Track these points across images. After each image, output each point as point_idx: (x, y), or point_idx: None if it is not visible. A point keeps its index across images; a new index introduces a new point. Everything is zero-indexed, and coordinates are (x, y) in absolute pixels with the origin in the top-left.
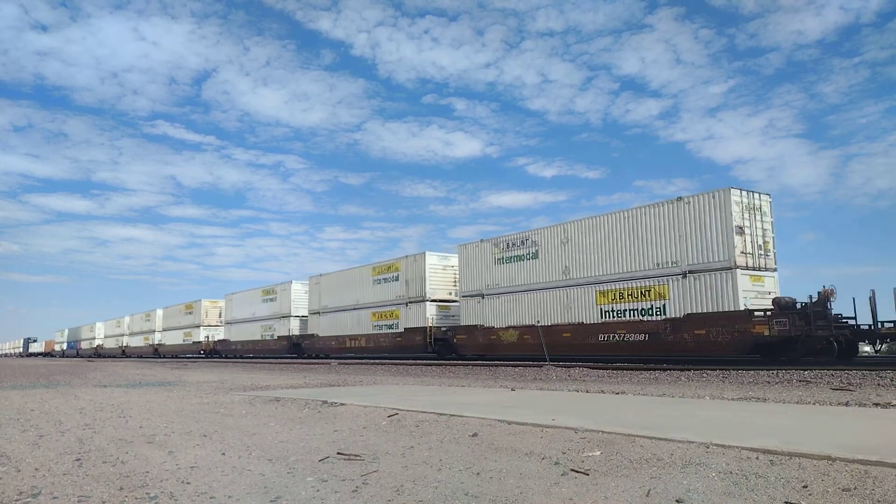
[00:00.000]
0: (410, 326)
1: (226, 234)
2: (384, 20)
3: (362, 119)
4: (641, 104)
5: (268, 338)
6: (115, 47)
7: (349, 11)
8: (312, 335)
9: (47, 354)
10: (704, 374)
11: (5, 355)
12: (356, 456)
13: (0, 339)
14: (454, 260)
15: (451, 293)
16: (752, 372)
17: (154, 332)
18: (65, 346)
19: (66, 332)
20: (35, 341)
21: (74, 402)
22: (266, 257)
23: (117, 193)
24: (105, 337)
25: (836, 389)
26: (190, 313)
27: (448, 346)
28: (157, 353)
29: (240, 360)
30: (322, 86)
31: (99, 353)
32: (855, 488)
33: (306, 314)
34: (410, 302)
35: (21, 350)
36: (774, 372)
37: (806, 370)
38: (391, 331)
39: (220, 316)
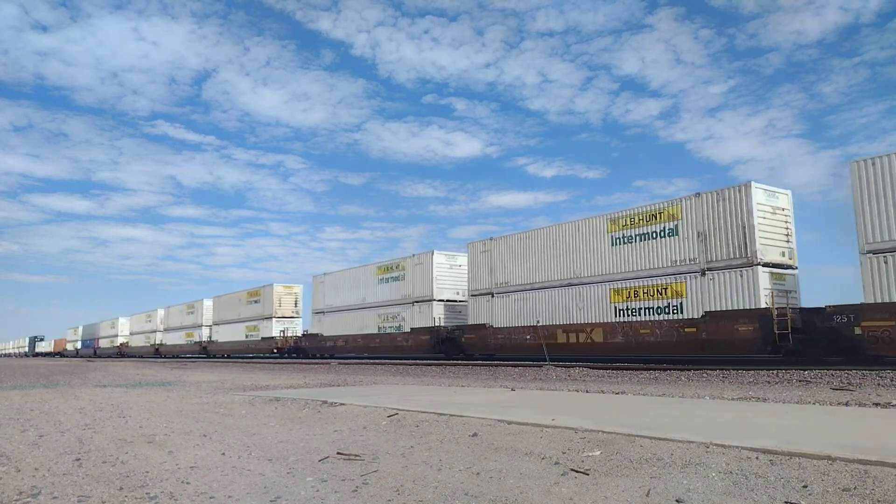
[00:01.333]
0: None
1: (226, 234)
2: (384, 20)
3: (362, 119)
4: (641, 104)
5: (392, 330)
6: (116, 47)
7: (349, 11)
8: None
9: (58, 354)
10: (704, 374)
11: (8, 355)
12: (356, 456)
13: (2, 339)
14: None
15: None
16: (752, 372)
17: (200, 326)
18: (79, 345)
19: (81, 329)
20: (42, 340)
21: (74, 402)
22: (266, 257)
23: (117, 193)
24: (131, 334)
25: (836, 389)
26: (256, 301)
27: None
28: (205, 351)
29: (299, 361)
30: (322, 86)
31: (123, 353)
32: (855, 488)
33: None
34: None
35: (27, 350)
36: (774, 372)
37: (806, 370)
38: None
39: (296, 304)
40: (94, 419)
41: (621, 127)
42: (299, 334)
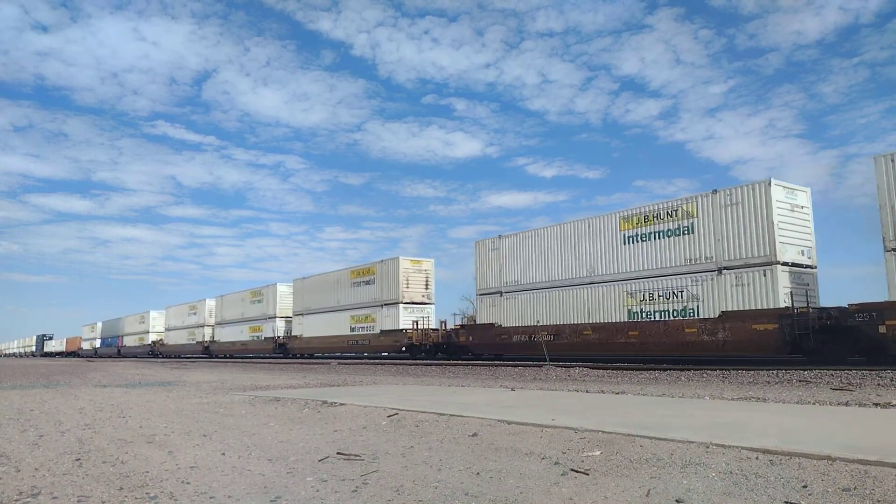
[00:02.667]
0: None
1: (226, 234)
2: (384, 20)
3: (362, 119)
4: (641, 104)
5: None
6: (116, 48)
7: (349, 12)
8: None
9: (72, 354)
10: (704, 374)
11: (13, 355)
12: (356, 456)
13: (5, 338)
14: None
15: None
16: (752, 372)
17: (273, 318)
18: (97, 344)
19: (100, 325)
20: (51, 339)
21: (74, 402)
22: (266, 257)
23: (117, 193)
24: (168, 329)
25: (836, 389)
26: (368, 283)
27: (154, 353)
28: (281, 350)
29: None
30: (322, 86)
31: (157, 352)
32: (855, 488)
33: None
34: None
35: (34, 349)
36: (774, 372)
37: (806, 370)
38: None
39: (427, 286)
40: (94, 419)
41: (621, 127)
42: (432, 327)
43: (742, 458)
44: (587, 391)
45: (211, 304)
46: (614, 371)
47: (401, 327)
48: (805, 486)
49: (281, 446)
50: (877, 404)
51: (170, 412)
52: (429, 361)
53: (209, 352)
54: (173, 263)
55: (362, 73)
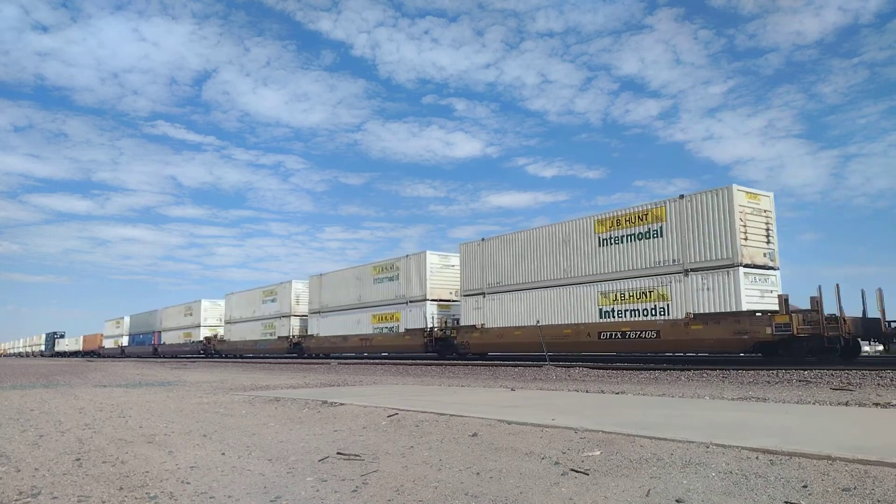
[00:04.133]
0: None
1: (226, 234)
2: (384, 21)
3: (362, 119)
4: (641, 104)
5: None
6: (116, 48)
7: (349, 12)
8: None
9: (91, 353)
10: (704, 374)
11: (19, 355)
12: (356, 456)
13: (9, 337)
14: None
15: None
16: (752, 372)
17: (406, 303)
18: (124, 341)
19: (127, 320)
20: (62, 336)
21: (74, 402)
22: (266, 257)
23: (117, 193)
24: (230, 321)
25: (836, 389)
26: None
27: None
28: (433, 350)
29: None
30: (322, 86)
31: (215, 351)
32: (855, 488)
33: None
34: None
35: (43, 348)
36: (774, 372)
37: (806, 370)
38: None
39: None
40: (93, 419)
41: (621, 127)
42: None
43: (742, 457)
44: (587, 391)
45: (299, 287)
46: (614, 371)
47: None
48: (805, 486)
49: (281, 446)
50: (877, 404)
51: (170, 412)
52: (428, 362)
53: (301, 352)
54: (173, 263)
55: (362, 73)
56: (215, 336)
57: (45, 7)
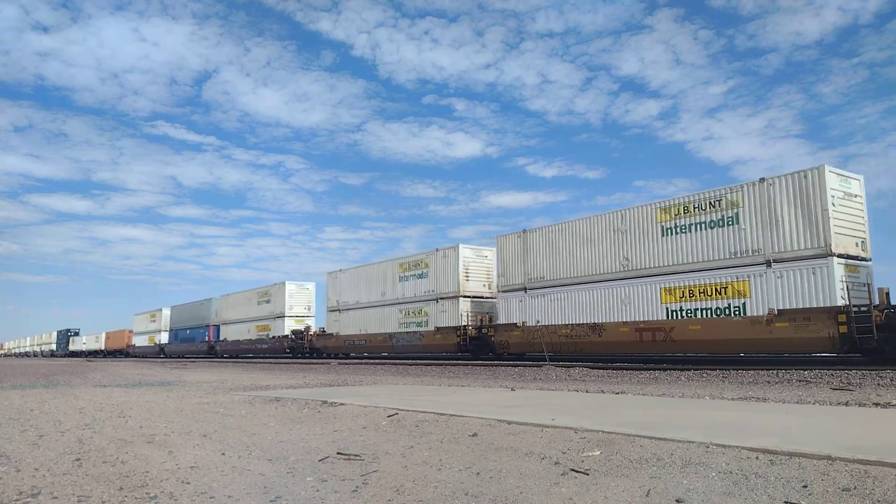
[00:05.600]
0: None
1: (226, 234)
2: (384, 21)
3: (362, 119)
4: (641, 104)
5: (415, 328)
6: (116, 48)
7: (349, 12)
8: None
9: (116, 354)
10: (704, 374)
11: (27, 355)
12: (356, 456)
13: (14, 335)
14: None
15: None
16: (752, 372)
17: (437, 300)
18: (162, 338)
19: (167, 313)
20: (77, 334)
21: (74, 402)
22: (266, 257)
23: (117, 193)
24: (340, 308)
25: (836, 389)
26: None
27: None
28: (467, 350)
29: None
30: (322, 86)
31: (314, 350)
32: (855, 488)
33: None
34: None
35: (54, 347)
36: (774, 372)
37: (806, 370)
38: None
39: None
40: (94, 419)
41: (621, 127)
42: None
43: (742, 457)
44: (587, 391)
45: (467, 253)
46: (614, 371)
47: (463, 324)
48: (805, 486)
49: (281, 446)
50: (877, 404)
51: (170, 412)
52: (471, 362)
53: (474, 351)
54: (173, 263)
55: (362, 73)
56: (308, 330)
57: (46, 7)
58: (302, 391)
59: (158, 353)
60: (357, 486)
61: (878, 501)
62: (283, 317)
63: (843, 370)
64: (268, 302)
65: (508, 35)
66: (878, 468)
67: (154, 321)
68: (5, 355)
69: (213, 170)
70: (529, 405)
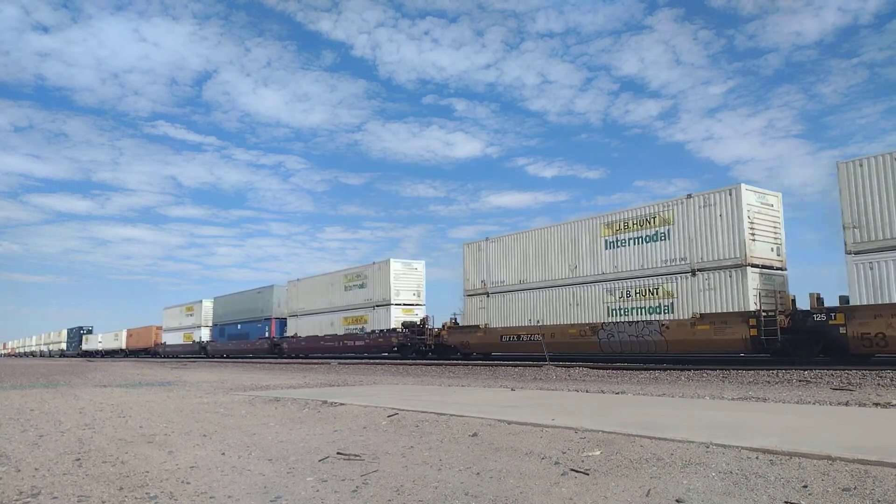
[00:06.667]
0: (378, 329)
1: (226, 234)
2: (384, 21)
3: (363, 119)
4: (641, 105)
5: (357, 332)
6: (116, 48)
7: (350, 13)
8: (293, 336)
9: (141, 353)
10: (704, 374)
11: (33, 354)
12: (356, 456)
13: (19, 334)
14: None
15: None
16: (752, 372)
17: (374, 307)
18: (203, 335)
19: (207, 305)
20: (90, 332)
21: (74, 402)
22: (266, 257)
23: (117, 193)
24: (492, 292)
25: (836, 389)
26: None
27: (409, 348)
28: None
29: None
30: (322, 86)
31: (429, 346)
32: (855, 488)
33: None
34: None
35: (65, 346)
36: (774, 372)
37: (806, 370)
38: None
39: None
40: (94, 419)
41: (621, 127)
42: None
43: (742, 458)
44: (587, 391)
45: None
46: (614, 371)
47: (392, 327)
48: (805, 486)
49: (281, 446)
50: (877, 404)
51: (170, 412)
52: (423, 361)
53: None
54: (173, 263)
55: (363, 73)
56: (424, 323)
57: (46, 7)
58: (302, 391)
59: (198, 352)
60: (357, 486)
61: (878, 501)
62: (388, 304)
63: (844, 370)
64: (361, 286)
65: (508, 35)
66: (878, 468)
67: (191, 315)
68: (9, 355)
69: (214, 170)
70: (529, 405)
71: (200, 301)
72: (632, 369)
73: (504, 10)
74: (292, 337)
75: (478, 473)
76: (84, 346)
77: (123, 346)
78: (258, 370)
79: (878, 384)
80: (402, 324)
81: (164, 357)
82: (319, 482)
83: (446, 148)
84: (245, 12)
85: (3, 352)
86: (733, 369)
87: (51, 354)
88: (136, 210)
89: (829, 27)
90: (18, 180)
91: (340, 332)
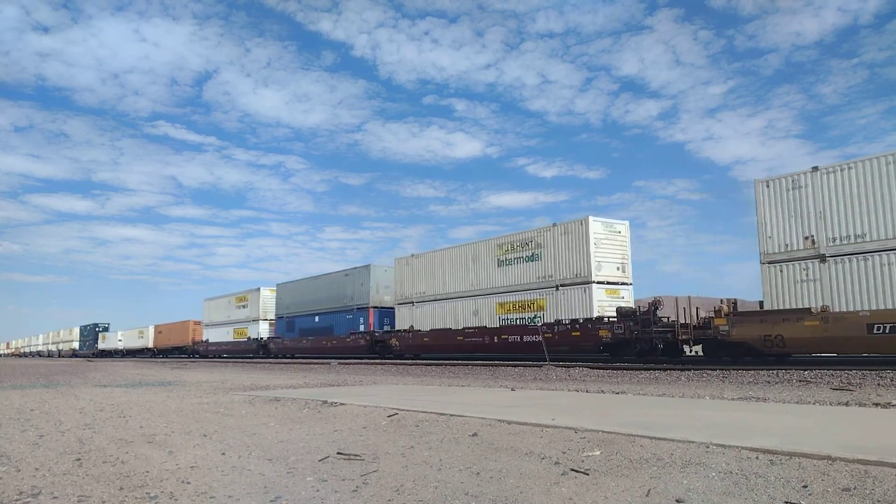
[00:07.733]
0: (567, 319)
1: (226, 235)
2: (385, 21)
3: (363, 120)
4: (641, 105)
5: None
6: (117, 48)
7: (350, 13)
8: (407, 330)
9: (175, 352)
10: (704, 374)
11: (40, 354)
12: (356, 456)
13: (23, 333)
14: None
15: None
16: (752, 372)
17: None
18: (263, 332)
19: (266, 295)
20: (107, 329)
21: (74, 402)
22: (267, 257)
23: (118, 193)
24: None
25: (836, 389)
26: (532, 258)
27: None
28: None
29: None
30: (323, 87)
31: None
32: (855, 488)
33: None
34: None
35: (78, 346)
36: (774, 372)
37: (806, 370)
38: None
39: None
40: (94, 419)
41: (621, 127)
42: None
43: (742, 458)
44: (587, 391)
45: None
46: (614, 371)
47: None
48: (805, 486)
49: (281, 446)
50: (877, 404)
51: (170, 412)
52: (407, 361)
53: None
54: (174, 263)
55: (363, 73)
56: (655, 307)
57: (46, 8)
58: (302, 391)
59: (256, 351)
60: (357, 486)
61: (878, 501)
62: (588, 283)
63: (844, 370)
64: (530, 258)
65: (508, 35)
66: (878, 468)
67: (243, 306)
68: (13, 354)
69: (214, 170)
70: (529, 405)
71: (258, 289)
72: (632, 369)
73: (504, 11)
74: (406, 332)
75: (478, 473)
76: (101, 345)
77: (150, 345)
78: (258, 370)
79: (878, 384)
80: (618, 311)
81: (209, 357)
82: (319, 482)
83: (446, 148)
84: (245, 12)
85: (6, 351)
86: (733, 369)
87: (60, 354)
88: (136, 210)
89: (828, 27)
90: (19, 180)
91: (493, 323)
